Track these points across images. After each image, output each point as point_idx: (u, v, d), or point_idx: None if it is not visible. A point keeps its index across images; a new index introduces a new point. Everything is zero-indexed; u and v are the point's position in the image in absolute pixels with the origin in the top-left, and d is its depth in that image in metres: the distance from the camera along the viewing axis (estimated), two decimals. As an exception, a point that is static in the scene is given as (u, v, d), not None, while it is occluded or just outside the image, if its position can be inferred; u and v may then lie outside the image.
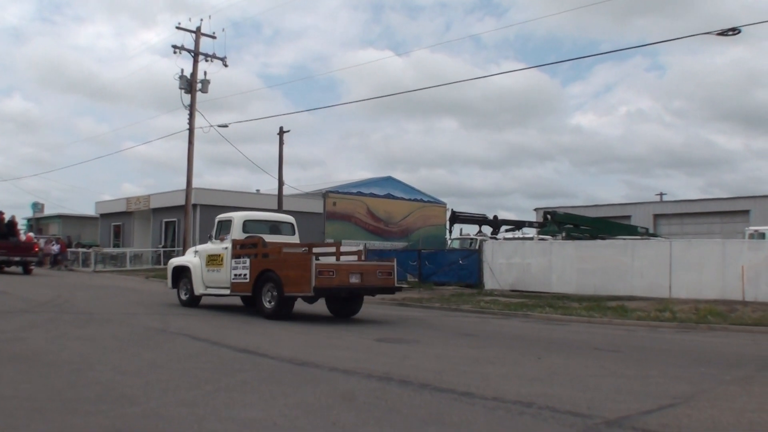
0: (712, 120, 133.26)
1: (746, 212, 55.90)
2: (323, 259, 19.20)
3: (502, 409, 7.85)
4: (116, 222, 67.20)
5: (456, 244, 41.99)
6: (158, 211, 59.88)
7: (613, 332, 17.62)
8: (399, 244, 58.37)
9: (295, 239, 21.95)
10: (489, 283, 32.40)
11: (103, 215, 69.97)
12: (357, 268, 18.93)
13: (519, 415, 7.56)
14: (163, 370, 10.31)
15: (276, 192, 50.62)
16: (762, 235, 35.06)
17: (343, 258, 20.84)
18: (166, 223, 58.87)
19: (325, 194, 65.23)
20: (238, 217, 21.44)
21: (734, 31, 21.15)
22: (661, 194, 70.59)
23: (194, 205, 45.22)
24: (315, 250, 19.86)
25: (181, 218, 48.08)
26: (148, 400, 8.03)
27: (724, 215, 58.47)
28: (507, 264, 32.40)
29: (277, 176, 49.82)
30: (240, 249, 20.19)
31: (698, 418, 7.51)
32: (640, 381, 10.05)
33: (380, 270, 19.15)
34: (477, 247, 36.05)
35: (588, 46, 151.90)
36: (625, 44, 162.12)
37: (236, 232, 20.79)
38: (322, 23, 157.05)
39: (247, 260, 19.51)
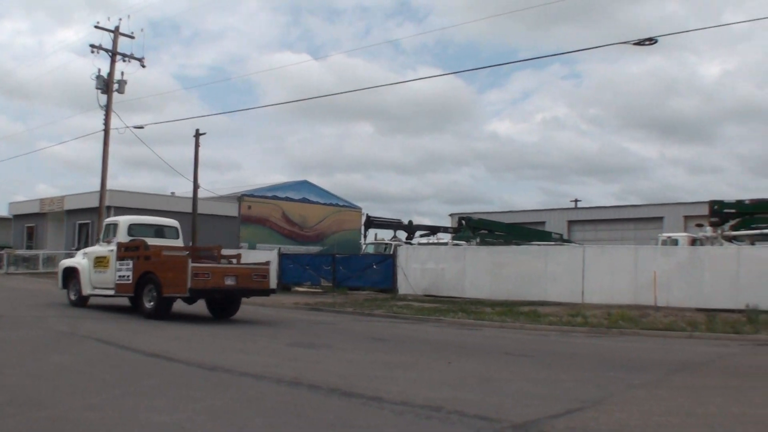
0: (627, 128, 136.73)
1: (660, 219, 57.51)
2: (202, 263, 19.70)
3: (411, 413, 7.89)
4: (30, 223, 65.28)
5: (371, 249, 42.14)
6: (72, 212, 58.40)
7: (525, 337, 17.94)
8: (314, 249, 58.36)
9: (178, 243, 22.87)
10: (403, 287, 32.52)
11: (16, 216, 67.85)
12: (232, 271, 19.89)
13: (427, 420, 7.62)
14: (71, 373, 10.22)
15: (191, 195, 49.96)
16: (675, 242, 36.08)
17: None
18: (80, 225, 57.49)
19: (241, 198, 64.74)
20: (123, 220, 22.48)
21: (651, 41, 21.68)
22: (576, 201, 72.22)
23: (108, 207, 44.30)
24: (198, 253, 21.34)
25: (95, 220, 46.95)
26: (57, 405, 7.93)
27: (638, 222, 60.05)
28: (421, 269, 32.62)
29: (192, 179, 49.17)
30: (124, 251, 20.89)
31: (606, 421, 7.67)
32: (550, 385, 10.24)
33: (256, 273, 20.20)
34: (391, 252, 36.24)
35: (506, 54, 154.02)
36: (543, 52, 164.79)
37: (122, 235, 21.61)
38: (241, 25, 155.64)
39: (131, 262, 20.23)
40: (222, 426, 7.22)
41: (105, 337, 14.79)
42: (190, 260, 18.62)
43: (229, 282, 19.14)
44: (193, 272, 18.22)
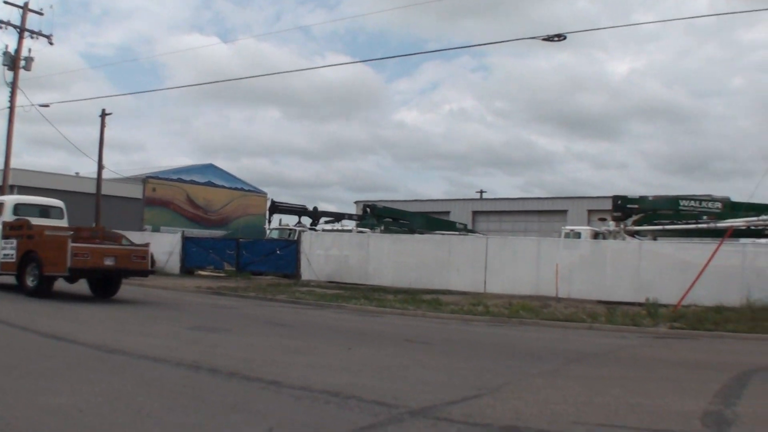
0: (534, 122, 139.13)
1: (564, 212, 58.60)
2: (82, 243, 19.92)
3: (309, 398, 7.85)
4: (-71, 204, 62.56)
5: (275, 234, 41.83)
6: (-27, 190, 56.41)
7: (427, 325, 18.03)
8: (218, 233, 57.65)
9: (63, 223, 22.94)
10: (306, 273, 32.50)
11: None
12: (112, 251, 20.22)
13: (325, 404, 7.58)
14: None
15: (95, 175, 48.70)
16: (578, 235, 36.82)
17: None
18: (-18, 204, 55.48)
19: (145, 180, 63.55)
20: (9, 200, 22.85)
21: (560, 37, 21.97)
22: (482, 192, 72.91)
23: (12, 186, 42.87)
24: (83, 234, 21.62)
25: (-3, 199, 45.43)
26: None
27: (543, 214, 61.07)
28: (325, 255, 32.64)
29: (97, 159, 47.92)
30: (9, 230, 21.00)
31: (502, 408, 7.69)
32: (448, 373, 10.27)
33: (135, 254, 20.85)
34: (296, 238, 36.09)
35: (416, 44, 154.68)
36: (453, 44, 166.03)
37: (7, 215, 21.62)
38: (152, 5, 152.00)
39: (15, 241, 20.45)
40: (120, 408, 7.12)
41: (4, 318, 14.56)
42: (69, 240, 19.02)
43: (109, 262, 19.66)
44: (73, 252, 18.77)
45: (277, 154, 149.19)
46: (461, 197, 70.03)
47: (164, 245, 37.18)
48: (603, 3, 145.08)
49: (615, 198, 31.73)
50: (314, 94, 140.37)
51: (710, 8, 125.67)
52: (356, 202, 65.37)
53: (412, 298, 23.65)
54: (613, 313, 20.18)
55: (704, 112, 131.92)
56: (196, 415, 7.02)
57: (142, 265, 20.86)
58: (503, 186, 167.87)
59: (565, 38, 22.01)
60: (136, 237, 36.21)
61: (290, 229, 41.36)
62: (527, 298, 24.50)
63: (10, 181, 41.17)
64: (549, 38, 22.12)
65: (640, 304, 22.36)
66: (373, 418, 7.09)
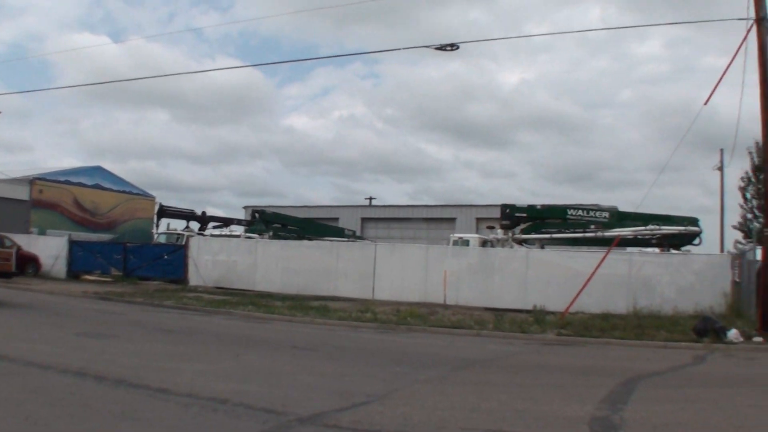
0: (423, 130, 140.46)
1: (452, 220, 59.28)
2: None
3: (197, 405, 7.78)
4: None
5: (163, 239, 41.11)
6: None
7: (315, 331, 17.98)
8: (105, 236, 56.19)
9: None
10: (194, 279, 32.09)
11: None
12: None
13: (213, 412, 7.54)
14: None
15: (-21, 176, 46.88)
16: (466, 243, 37.22)
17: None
18: None
19: (32, 181, 61.40)
20: None
21: (453, 46, 22.18)
22: (371, 198, 73.21)
23: None
24: None
25: None
26: None
27: (431, 222, 61.66)
28: (213, 261, 32.25)
29: (-18, 160, 46.22)
30: None
31: (390, 415, 7.72)
32: (337, 379, 10.29)
33: None
34: (183, 242, 35.60)
35: (309, 49, 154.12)
36: (346, 50, 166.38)
37: None
38: (44, 1, 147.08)
39: None
40: (6, 415, 7.00)
41: None
42: None
43: None
44: None
45: (166, 158, 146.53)
46: (350, 204, 70.14)
47: (50, 249, 36.15)
48: (495, 14, 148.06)
49: (503, 206, 32.29)
50: (204, 97, 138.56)
51: (602, 22, 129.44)
52: (245, 208, 64.80)
53: (300, 304, 23.58)
54: (501, 320, 20.50)
55: (593, 124, 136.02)
56: (85, 424, 6.93)
57: (5, 267, 20.87)
58: (392, 193, 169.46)
59: (458, 48, 22.24)
60: (22, 240, 35.23)
61: (178, 234, 40.76)
62: (415, 304, 24.65)
63: None
64: (442, 47, 22.30)
65: (527, 311, 22.80)
66: (261, 425, 7.08)
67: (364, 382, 10.11)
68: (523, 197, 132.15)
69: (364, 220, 65.02)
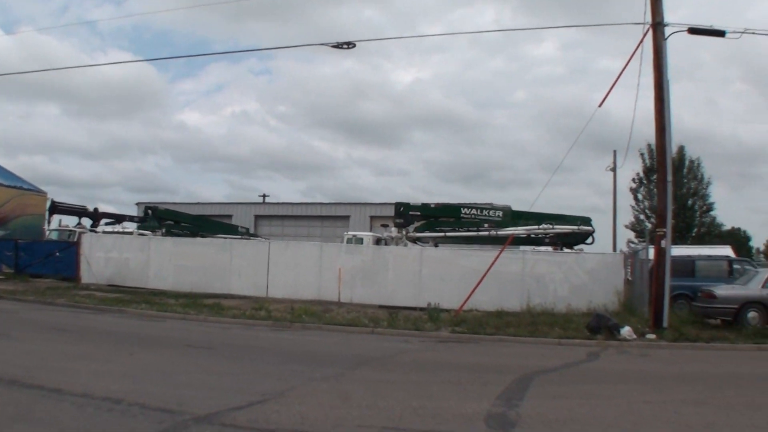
0: (316, 127, 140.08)
1: (346, 218, 59.36)
2: None
3: (92, 405, 7.63)
4: None
5: (55, 236, 39.94)
6: None
7: (209, 330, 17.78)
8: (-5, 233, 54.40)
9: None
10: (86, 276, 31.14)
11: None
12: None
13: (108, 412, 7.40)
14: None
15: None
16: (360, 240, 37.33)
17: None
18: None
19: None
20: None
21: (349, 45, 22.17)
22: (264, 196, 72.65)
23: None
24: None
25: None
26: None
27: (325, 219, 61.61)
28: (105, 258, 31.46)
29: None
30: None
31: (286, 413, 7.69)
32: (232, 378, 10.18)
33: None
34: (75, 239, 34.68)
35: (202, 44, 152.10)
36: (240, 46, 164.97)
37: None
38: None
39: None
40: None
41: None
42: None
43: None
44: None
45: (56, 153, 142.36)
46: (243, 201, 69.48)
47: (-60, 246, 34.58)
48: (390, 12, 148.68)
49: (397, 205, 32.43)
50: (96, 91, 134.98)
51: (496, 23, 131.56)
52: (138, 204, 63.53)
53: (193, 302, 23.25)
54: (395, 317, 20.59)
55: (486, 123, 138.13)
56: (-25, 427, 6.61)
57: None
58: (285, 190, 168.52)
59: (354, 46, 22.25)
60: None
61: (70, 231, 39.71)
62: (310, 302, 24.57)
63: None
64: (338, 45, 22.26)
65: (422, 309, 22.94)
66: (157, 425, 6.98)
67: (260, 380, 10.01)
68: (416, 195, 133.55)
69: (257, 217, 64.50)
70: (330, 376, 10.83)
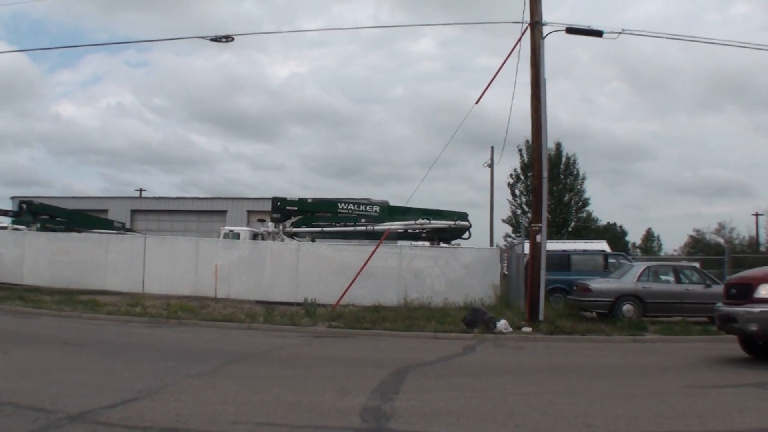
0: (192, 120, 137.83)
1: (223, 212, 58.76)
2: None
3: None
4: None
5: None
6: None
7: (84, 326, 17.45)
8: None
9: None
10: (-42, 273, 29.97)
11: None
12: None
13: None
14: None
15: None
16: (237, 235, 37.02)
17: None
18: None
19: None
20: None
21: (228, 38, 21.96)
22: (141, 190, 71.29)
23: None
24: None
25: None
26: None
27: (202, 214, 60.83)
28: (-22, 254, 30.34)
29: None
30: None
31: (162, 410, 7.64)
32: (107, 375, 10.06)
33: None
34: (-53, 234, 33.27)
35: (79, 34, 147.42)
36: (117, 37, 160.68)
37: None
38: None
39: None
40: None
41: None
42: None
43: None
44: None
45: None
46: (119, 195, 68.04)
47: None
48: (268, 6, 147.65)
49: (274, 199, 32.32)
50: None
51: (374, 19, 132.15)
52: (12, 198, 61.43)
53: (68, 298, 22.72)
54: (272, 313, 20.56)
55: (363, 119, 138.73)
56: None
57: None
58: (161, 184, 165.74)
59: (233, 39, 22.07)
60: None
61: (-59, 226, 38.16)
62: (186, 298, 24.31)
63: None
64: (217, 39, 22.04)
65: (299, 304, 22.95)
66: (31, 424, 6.83)
67: (135, 377, 9.88)
68: (293, 190, 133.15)
69: (134, 212, 63.13)
70: (205, 372, 10.78)
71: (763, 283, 12.50)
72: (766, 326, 12.36)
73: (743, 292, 12.91)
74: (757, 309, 12.39)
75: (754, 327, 12.50)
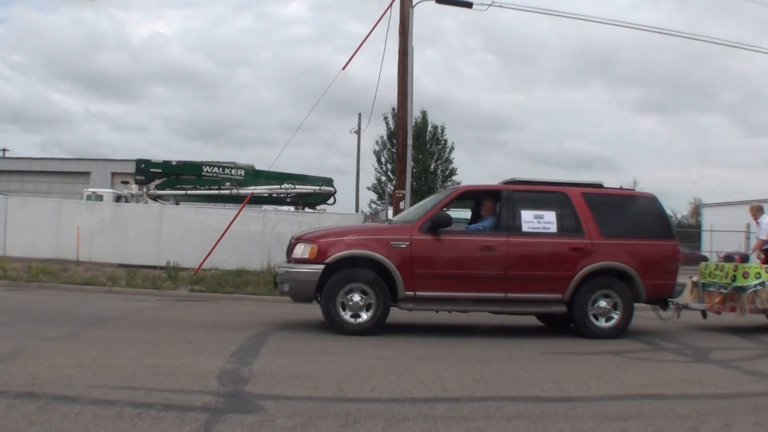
0: (51, 78, 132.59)
1: (87, 174, 57.23)
2: None
3: None
4: None
5: None
6: None
7: (-63, 291, 16.72)
8: None
9: None
10: None
11: None
12: None
13: None
14: None
15: None
16: (100, 198, 36.16)
17: None
18: None
19: None
20: None
21: (92, -7, 21.29)
22: (4, 150, 68.46)
23: None
24: None
25: None
26: None
27: (66, 175, 59.08)
28: None
29: None
30: None
31: (18, 375, 7.46)
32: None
33: None
34: None
35: None
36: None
37: None
38: None
39: None
40: None
41: None
42: None
43: None
44: None
45: None
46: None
47: None
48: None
49: (138, 161, 31.77)
50: None
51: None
52: None
53: None
54: (134, 276, 20.24)
55: (227, 81, 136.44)
56: None
57: None
58: (21, 144, 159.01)
59: (97, -1, 21.42)
60: None
61: None
62: (48, 261, 23.63)
63: None
64: (81, -4, 21.35)
65: (162, 268, 22.66)
66: None
67: (-9, 342, 9.58)
68: (156, 152, 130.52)
69: (-3, 172, 60.82)
70: (64, 335, 10.56)
71: (301, 242, 12.25)
72: (296, 287, 12.08)
73: (288, 251, 12.69)
74: (292, 269, 12.12)
75: (286, 288, 12.21)
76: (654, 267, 12.81)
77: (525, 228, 12.37)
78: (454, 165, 60.68)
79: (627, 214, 13.10)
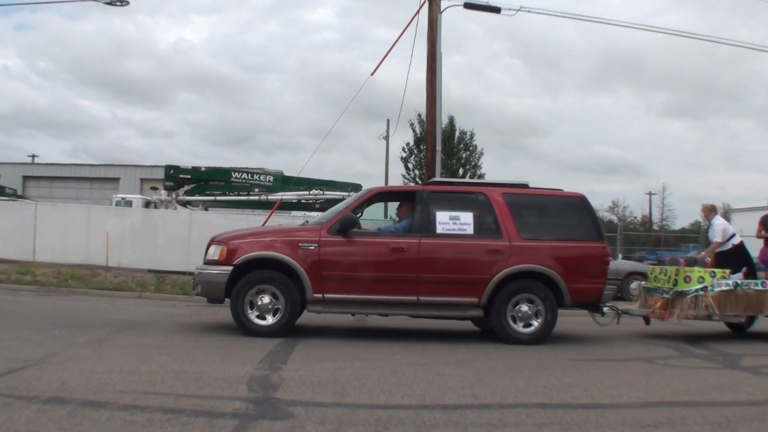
0: (79, 85, 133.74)
1: (116, 180, 57.61)
2: None
3: None
4: None
5: None
6: None
7: (-30, 295, 16.84)
8: None
9: None
10: None
11: None
12: None
13: None
14: None
15: None
16: (129, 203, 36.34)
17: None
18: None
19: None
20: None
21: (123, 2, 21.41)
22: (34, 156, 69.10)
23: None
24: None
25: None
26: None
27: (94, 181, 59.51)
28: None
29: None
30: None
31: (48, 380, 7.42)
32: (-8, 345, 9.65)
33: None
34: None
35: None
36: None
37: None
38: None
39: None
40: None
41: None
42: None
43: None
44: None
45: None
46: (10, 161, 65.73)
47: None
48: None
49: (167, 167, 31.86)
50: None
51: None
52: None
53: (-47, 266, 21.87)
54: (163, 281, 20.31)
55: (255, 87, 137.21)
56: None
57: None
58: (50, 150, 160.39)
59: (128, 3, 21.53)
60: None
61: None
62: (77, 266, 23.79)
63: None
64: (111, 2, 21.47)
65: (191, 273, 22.60)
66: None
67: (22, 346, 9.58)
68: (184, 158, 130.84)
69: (26, 178, 61.26)
70: (93, 341, 10.55)
71: (213, 243, 12.26)
72: (207, 288, 12.10)
73: (205, 252, 12.68)
74: (204, 271, 12.17)
75: (200, 288, 12.27)
76: (579, 270, 12.33)
77: (439, 230, 12.04)
78: (483, 170, 60.41)
79: (551, 215, 12.88)
